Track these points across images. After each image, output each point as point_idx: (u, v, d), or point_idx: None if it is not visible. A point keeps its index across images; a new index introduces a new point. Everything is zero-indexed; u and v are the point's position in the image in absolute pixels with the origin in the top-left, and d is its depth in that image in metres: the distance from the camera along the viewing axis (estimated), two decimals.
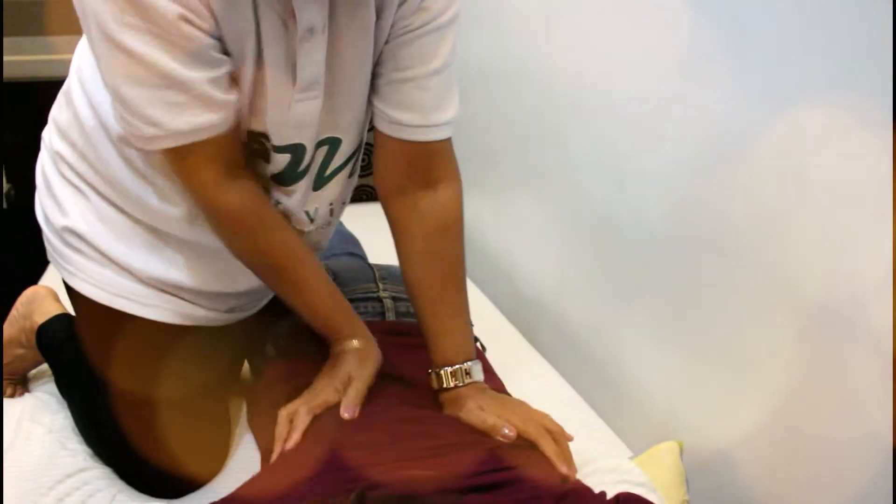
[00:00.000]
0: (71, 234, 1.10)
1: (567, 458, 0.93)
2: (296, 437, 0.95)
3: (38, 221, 1.17)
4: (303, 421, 0.96)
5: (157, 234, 1.08)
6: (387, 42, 0.98)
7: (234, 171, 0.95)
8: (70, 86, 1.09)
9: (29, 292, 1.40)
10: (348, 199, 1.17)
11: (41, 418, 1.24)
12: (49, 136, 1.14)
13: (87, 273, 1.11)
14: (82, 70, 1.04)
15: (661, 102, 1.20)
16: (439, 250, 1.06)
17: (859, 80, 0.85)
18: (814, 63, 0.91)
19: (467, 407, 0.99)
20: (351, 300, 1.16)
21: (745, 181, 1.02)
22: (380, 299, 1.21)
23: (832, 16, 0.89)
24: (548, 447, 0.93)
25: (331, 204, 1.12)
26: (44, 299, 1.35)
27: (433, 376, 1.05)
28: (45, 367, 1.39)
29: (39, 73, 2.06)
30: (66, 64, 1.13)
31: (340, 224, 1.99)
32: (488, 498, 0.79)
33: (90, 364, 1.13)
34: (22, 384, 1.36)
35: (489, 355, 1.27)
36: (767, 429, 1.03)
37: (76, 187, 1.10)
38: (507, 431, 0.94)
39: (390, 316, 1.21)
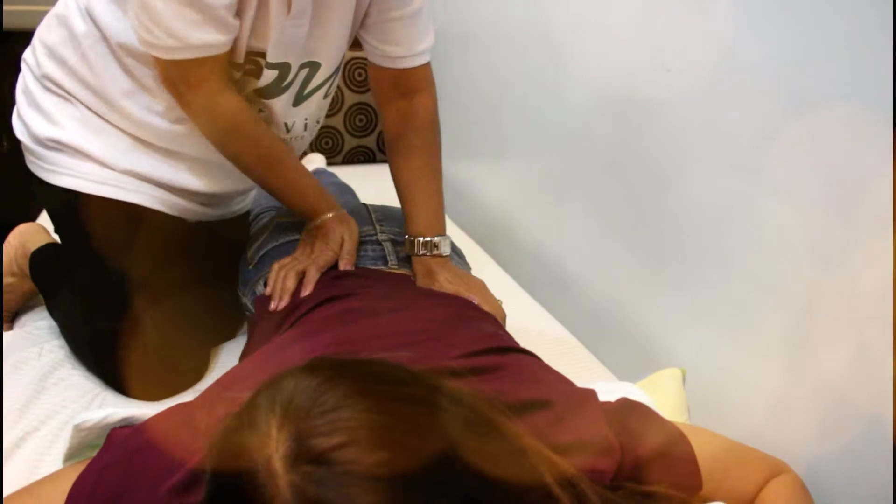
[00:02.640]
0: (53, 141, 1.17)
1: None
2: (309, 288, 1.05)
3: (16, 135, 1.22)
4: (313, 277, 1.07)
5: (140, 141, 1.18)
6: None
7: (228, 81, 1.09)
8: (66, 9, 1.17)
9: (22, 227, 1.42)
10: (322, 119, 1.34)
11: (28, 349, 1.22)
12: (34, 57, 1.20)
13: (67, 167, 1.17)
14: None
15: (659, 53, 1.18)
16: (417, 144, 1.25)
17: (859, 83, 0.84)
18: (815, 65, 0.89)
19: (439, 281, 1.15)
20: None
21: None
22: (379, 242, 1.21)
23: (830, 18, 0.87)
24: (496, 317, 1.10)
25: (306, 119, 1.27)
26: (36, 232, 1.39)
27: (407, 244, 1.21)
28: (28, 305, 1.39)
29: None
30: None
31: (335, 176, 2.00)
32: (482, 383, 0.76)
33: (75, 271, 1.21)
34: (9, 321, 1.35)
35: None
36: (768, 369, 1.01)
37: (63, 98, 1.18)
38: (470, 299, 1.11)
39: (392, 260, 1.20)
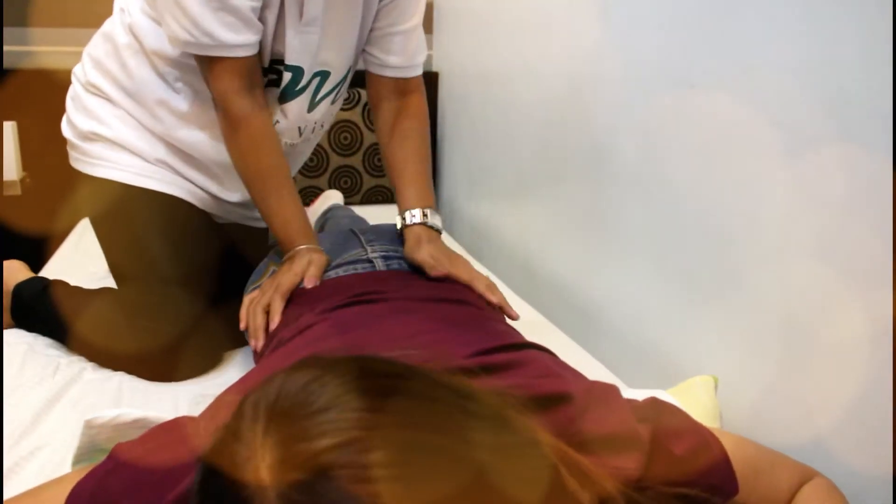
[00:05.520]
0: (94, 133, 1.32)
1: (497, 294, 1.14)
2: (277, 319, 1.05)
3: (64, 135, 1.38)
4: (278, 307, 1.07)
5: (170, 145, 1.33)
6: (381, 7, 1.30)
7: (251, 87, 1.19)
8: (112, 25, 1.33)
9: (3, 264, 1.42)
10: (328, 124, 1.48)
11: (45, 367, 1.20)
12: (83, 70, 1.37)
13: (107, 159, 1.32)
14: (131, 12, 1.28)
15: (673, 102, 1.18)
16: (409, 133, 1.35)
17: (860, 83, 0.83)
18: (812, 65, 0.89)
19: (422, 253, 1.18)
20: (339, 265, 1.18)
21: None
22: (369, 260, 1.19)
23: (832, 17, 0.86)
24: (479, 285, 1.14)
25: (315, 123, 1.41)
26: (17, 270, 1.44)
27: (399, 218, 1.28)
28: None
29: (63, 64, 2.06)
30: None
31: (350, 210, 2.01)
32: (496, 380, 0.73)
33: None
34: None
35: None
36: (799, 384, 0.97)
37: (105, 100, 1.33)
38: (440, 271, 1.14)
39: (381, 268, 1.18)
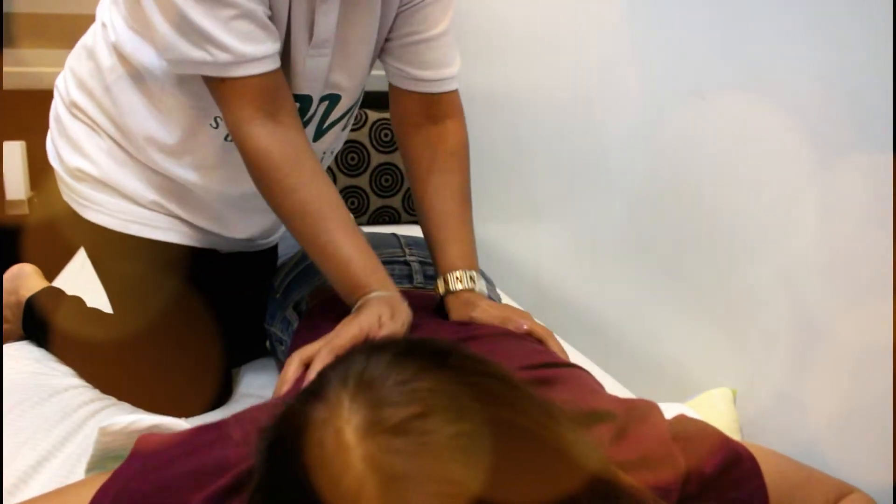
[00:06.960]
0: (81, 171, 1.17)
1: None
2: (313, 376, 0.81)
3: (50, 162, 1.22)
4: (322, 360, 0.87)
5: (164, 181, 1.16)
6: (399, 12, 1.11)
7: (276, 114, 0.99)
8: (94, 39, 1.15)
9: (14, 269, 1.41)
10: (338, 149, 1.29)
11: (56, 382, 1.18)
12: (65, 85, 1.20)
13: (97, 203, 1.17)
14: (115, 27, 1.10)
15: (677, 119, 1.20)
16: (447, 170, 1.13)
17: (860, 85, 0.83)
18: (824, 72, 0.89)
19: (480, 307, 1.01)
20: None
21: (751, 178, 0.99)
22: (407, 262, 1.18)
23: (841, 23, 0.87)
24: (554, 344, 0.97)
25: (324, 153, 1.23)
26: (29, 276, 1.38)
27: (439, 282, 1.06)
28: None
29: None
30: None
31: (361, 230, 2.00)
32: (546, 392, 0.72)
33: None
34: None
35: None
36: (818, 396, 0.96)
37: (90, 127, 1.17)
38: (521, 325, 0.97)
39: (418, 278, 1.17)
